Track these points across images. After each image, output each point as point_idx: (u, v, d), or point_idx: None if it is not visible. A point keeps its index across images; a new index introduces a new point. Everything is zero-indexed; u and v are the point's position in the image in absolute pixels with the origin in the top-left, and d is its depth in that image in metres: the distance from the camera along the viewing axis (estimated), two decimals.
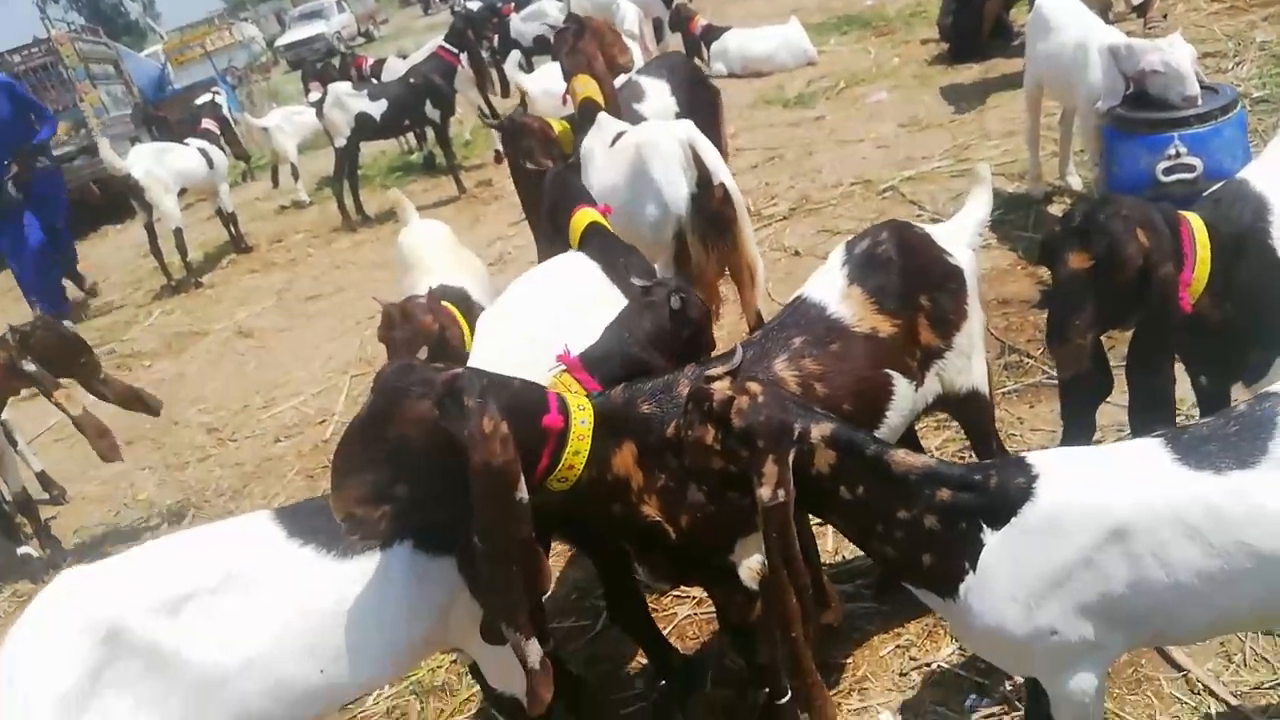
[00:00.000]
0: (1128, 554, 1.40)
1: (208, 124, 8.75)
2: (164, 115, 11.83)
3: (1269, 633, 2.23)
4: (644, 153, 3.25)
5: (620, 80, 4.26)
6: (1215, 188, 2.15)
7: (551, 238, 3.21)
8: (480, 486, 1.60)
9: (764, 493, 1.47)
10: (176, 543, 1.86)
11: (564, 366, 2.02)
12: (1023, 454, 1.52)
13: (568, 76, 4.13)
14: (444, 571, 1.86)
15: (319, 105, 8.17)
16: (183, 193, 8.09)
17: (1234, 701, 2.09)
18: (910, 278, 2.07)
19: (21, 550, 4.03)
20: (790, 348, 2.00)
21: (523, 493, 1.64)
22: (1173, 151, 3.19)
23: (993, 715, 2.22)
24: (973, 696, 2.28)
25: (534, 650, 1.69)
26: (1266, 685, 2.12)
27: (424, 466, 1.63)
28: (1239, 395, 2.19)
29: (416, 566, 1.84)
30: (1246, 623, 1.75)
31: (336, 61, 11.52)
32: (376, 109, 7.84)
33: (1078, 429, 2.05)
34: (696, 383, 1.57)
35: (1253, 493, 1.36)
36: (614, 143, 3.51)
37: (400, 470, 1.63)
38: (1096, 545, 1.41)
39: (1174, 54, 3.27)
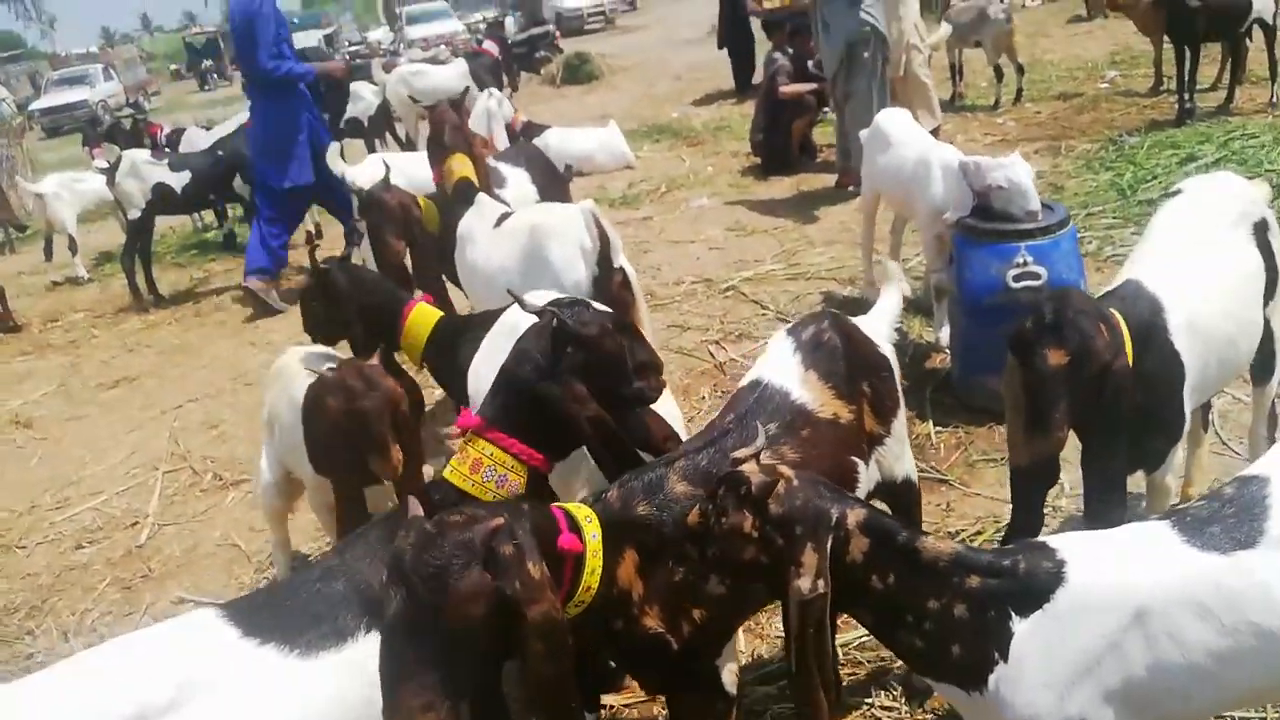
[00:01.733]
0: (1147, 636, 1.46)
1: None
2: None
3: None
4: (539, 235, 3.20)
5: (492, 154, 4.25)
6: (1117, 286, 2.36)
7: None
8: (540, 640, 1.44)
9: (803, 584, 1.42)
10: (117, 651, 1.55)
11: (471, 431, 1.91)
12: (1043, 539, 1.56)
13: (440, 157, 4.05)
14: None
15: (110, 172, 7.49)
16: None
17: None
18: (854, 364, 2.12)
19: None
20: (768, 436, 1.95)
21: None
22: (1020, 260, 3.51)
23: None
24: None
25: None
26: None
27: (484, 638, 1.43)
28: (1136, 483, 2.39)
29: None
30: (1250, 699, 1.85)
31: (127, 125, 10.67)
32: (178, 180, 7.28)
33: (1027, 515, 2.14)
34: (726, 467, 1.51)
35: (1256, 571, 1.46)
36: (499, 224, 3.44)
37: (463, 655, 1.42)
38: (1122, 628, 1.45)
39: (1016, 171, 3.64)
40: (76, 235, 8.93)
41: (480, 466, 1.87)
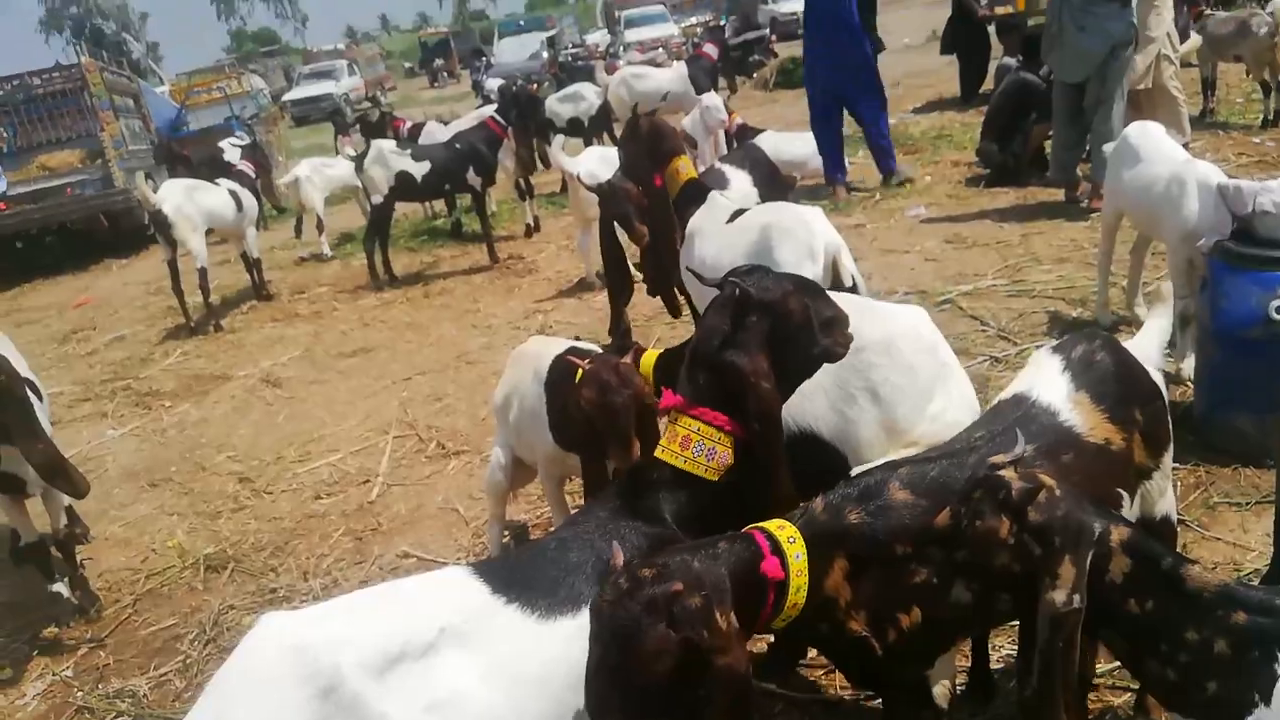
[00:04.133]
0: None
1: (244, 166, 8.68)
2: (185, 153, 11.77)
3: None
4: (771, 233, 3.25)
5: (710, 155, 4.32)
6: None
7: None
8: (724, 691, 1.49)
9: (1058, 597, 1.39)
10: (381, 594, 1.73)
11: (674, 410, 1.95)
12: None
13: (663, 160, 4.15)
14: None
15: (359, 159, 8.16)
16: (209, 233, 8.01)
17: None
18: (1127, 389, 1.99)
19: (53, 588, 3.78)
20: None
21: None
22: None
23: None
24: None
25: None
26: None
27: (678, 684, 1.49)
28: None
29: None
30: None
31: (374, 117, 11.60)
32: (419, 169, 7.85)
33: None
34: (984, 470, 1.49)
35: None
36: (730, 220, 3.51)
37: (659, 700, 1.49)
38: None
39: None
40: (324, 216, 9.77)
41: (690, 443, 1.92)
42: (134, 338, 8.04)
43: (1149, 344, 2.24)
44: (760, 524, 1.75)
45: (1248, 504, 3.23)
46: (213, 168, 9.11)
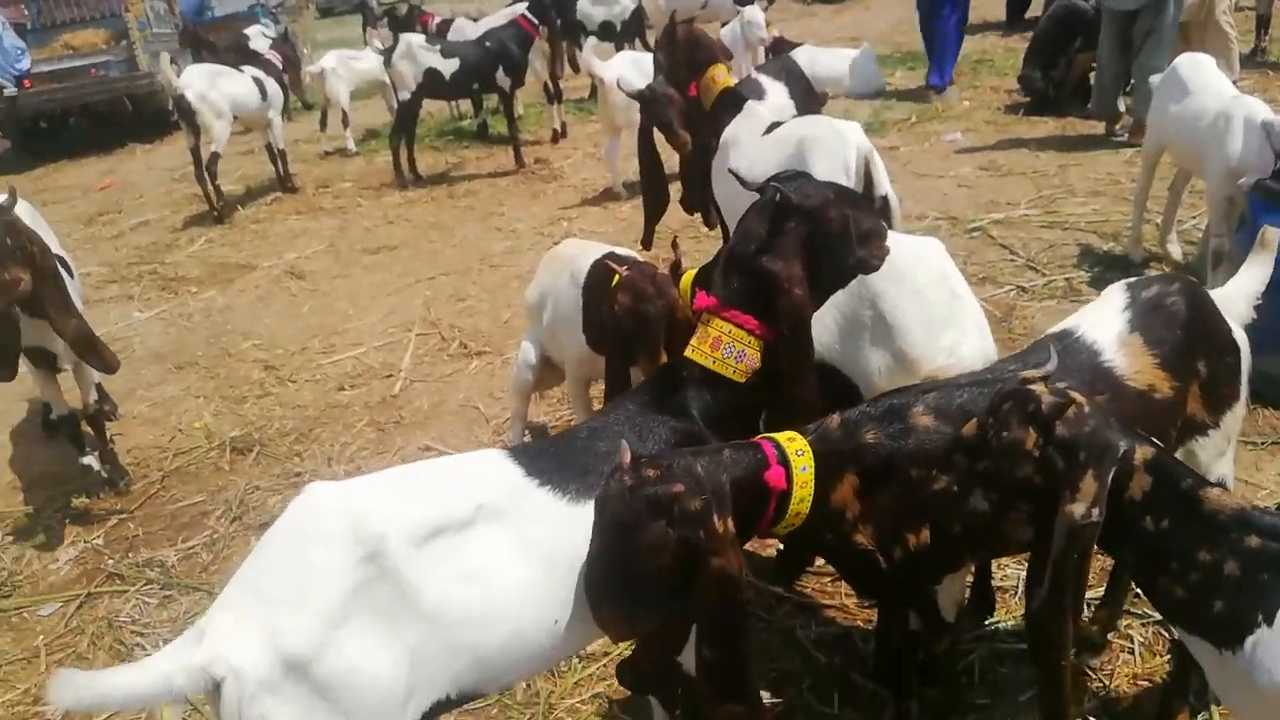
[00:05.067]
0: None
1: (271, 56, 8.56)
2: (210, 39, 11.60)
3: None
4: (804, 147, 3.21)
5: (748, 68, 4.25)
6: None
7: None
8: (716, 589, 1.57)
9: (1077, 509, 1.43)
10: (421, 471, 1.78)
11: (706, 311, 1.97)
12: None
13: (700, 68, 4.08)
14: None
15: (388, 53, 8.03)
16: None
17: None
18: (1195, 339, 1.95)
19: (84, 460, 3.90)
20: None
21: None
22: None
23: None
24: None
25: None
26: None
27: (671, 579, 1.58)
28: None
29: None
30: None
31: (403, 11, 11.36)
32: (448, 67, 7.72)
33: None
34: (1014, 384, 1.52)
35: None
36: (767, 132, 3.48)
37: (651, 592, 1.60)
38: None
39: None
40: (349, 110, 9.66)
41: (720, 344, 1.95)
42: (159, 223, 8.06)
43: (1237, 293, 2.14)
44: (772, 434, 1.79)
45: (1263, 444, 3.26)
46: (238, 55, 8.96)
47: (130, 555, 3.54)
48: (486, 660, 1.62)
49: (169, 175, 9.63)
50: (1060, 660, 1.52)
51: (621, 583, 1.59)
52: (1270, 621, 1.44)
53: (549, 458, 1.80)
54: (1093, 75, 7.46)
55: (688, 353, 1.98)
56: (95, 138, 11.85)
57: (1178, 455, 1.97)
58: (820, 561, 3.00)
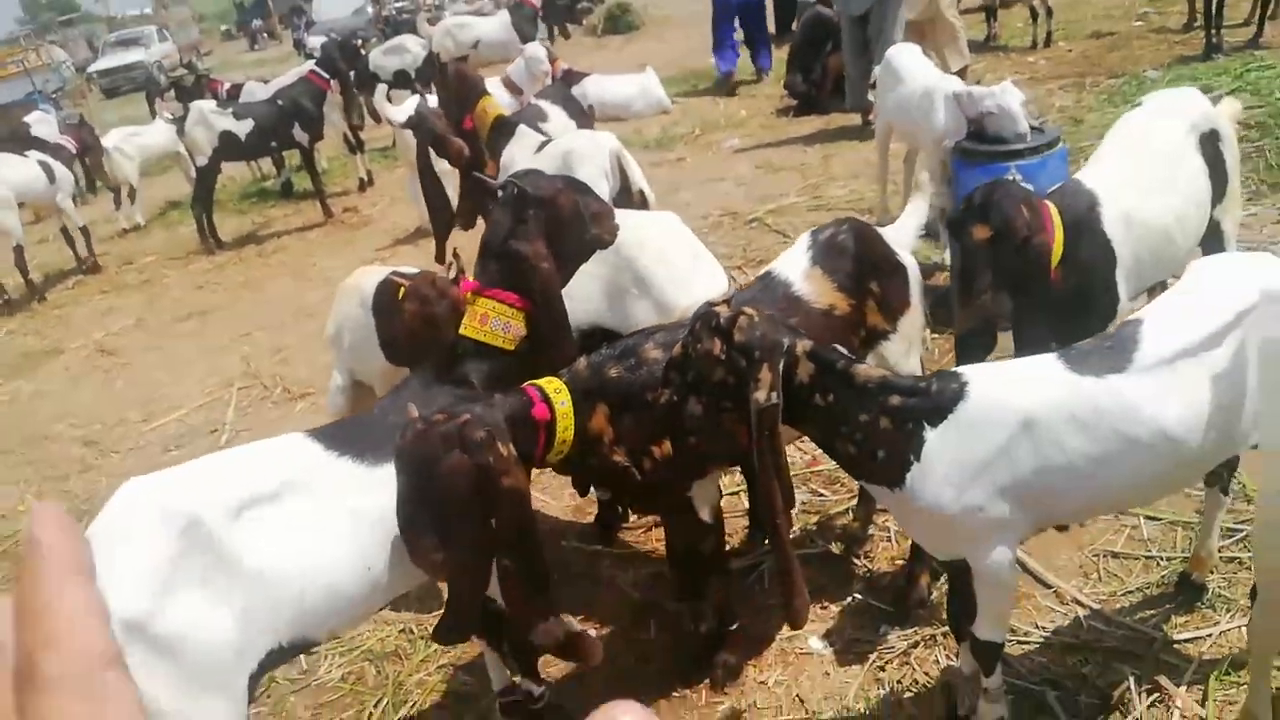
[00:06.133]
0: (1034, 443, 1.83)
1: (64, 140, 8.36)
2: None
3: (1115, 555, 2.78)
4: (570, 159, 3.59)
5: (524, 105, 4.61)
6: (1057, 186, 2.70)
7: None
8: (509, 506, 1.88)
9: (760, 396, 1.81)
10: (227, 457, 2.01)
11: (471, 293, 2.30)
12: (953, 369, 1.94)
13: (470, 102, 4.40)
14: None
15: (179, 122, 8.01)
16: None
17: (1095, 606, 2.60)
18: (864, 264, 2.43)
19: None
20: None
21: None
22: (1010, 178, 3.81)
23: (903, 637, 2.63)
24: (884, 626, 2.69)
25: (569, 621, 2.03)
26: (1119, 594, 2.64)
27: (471, 504, 1.85)
28: None
29: None
30: (1115, 503, 2.22)
31: (189, 81, 11.22)
32: (242, 128, 7.78)
33: None
34: (703, 308, 1.90)
35: (1123, 391, 1.83)
36: (539, 150, 3.84)
37: (458, 519, 1.86)
38: (1012, 436, 1.83)
39: (1005, 98, 3.93)
40: (138, 186, 9.51)
41: (487, 319, 2.28)
42: None
43: (901, 228, 2.68)
44: (534, 381, 2.13)
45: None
46: (19, 143, 8.69)
47: None
48: (310, 609, 1.87)
49: None
50: (773, 512, 1.90)
51: (432, 517, 1.85)
52: (918, 458, 1.87)
53: (344, 435, 2.07)
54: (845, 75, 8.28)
55: (461, 330, 2.29)
56: None
57: (870, 358, 2.44)
58: (633, 518, 3.36)
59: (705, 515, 2.34)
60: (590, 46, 15.49)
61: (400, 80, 10.81)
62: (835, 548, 3.02)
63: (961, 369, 1.93)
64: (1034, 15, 9.19)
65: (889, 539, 3.00)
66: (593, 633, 2.80)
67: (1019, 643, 2.54)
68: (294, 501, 1.90)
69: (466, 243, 5.64)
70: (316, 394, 4.93)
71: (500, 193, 2.33)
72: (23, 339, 6.94)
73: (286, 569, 1.83)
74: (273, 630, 1.83)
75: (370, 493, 1.97)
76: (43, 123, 11.33)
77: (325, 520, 1.91)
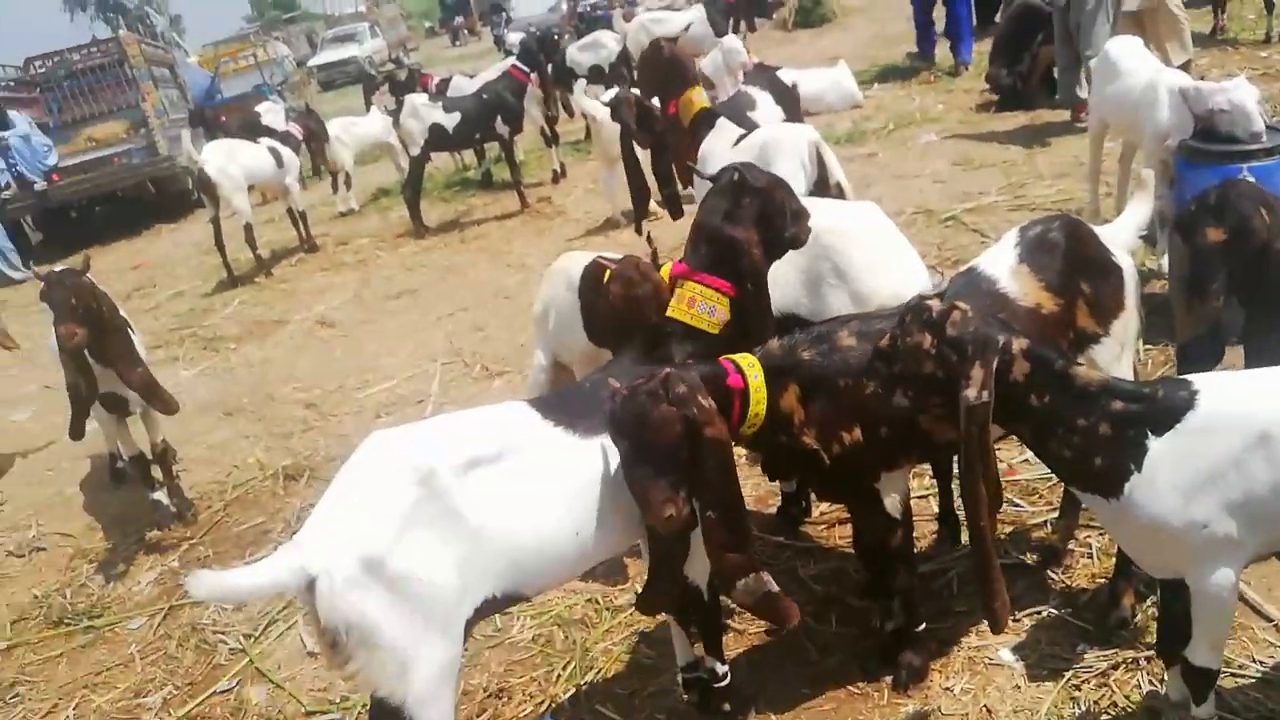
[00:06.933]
0: (1271, 458, 1.73)
1: (291, 128, 9.14)
2: (220, 119, 12.24)
3: None
4: (768, 150, 3.64)
5: (734, 91, 4.71)
6: None
7: None
8: (713, 454, 1.97)
9: (970, 393, 1.80)
10: (459, 418, 2.20)
11: (679, 276, 2.38)
12: (1182, 376, 1.86)
13: (676, 90, 4.50)
14: None
15: (394, 115, 8.58)
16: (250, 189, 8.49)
17: None
18: (1075, 264, 2.36)
19: (154, 495, 4.32)
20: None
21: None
22: (1244, 179, 3.56)
23: (1103, 657, 2.51)
24: (1081, 645, 2.57)
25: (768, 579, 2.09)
26: None
27: (682, 451, 1.96)
28: None
29: None
30: None
31: (402, 76, 11.99)
32: (450, 121, 8.25)
33: None
34: (914, 301, 1.91)
35: None
36: (738, 143, 3.90)
37: (674, 464, 1.96)
38: (1247, 449, 1.73)
39: (1238, 94, 3.67)
40: (353, 173, 10.24)
41: (695, 302, 2.38)
42: (192, 292, 8.58)
43: (1120, 227, 2.58)
44: (728, 355, 2.21)
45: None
46: (252, 131, 9.54)
47: None
48: (522, 564, 2.02)
49: (196, 249, 10.18)
50: (977, 512, 1.88)
51: (652, 468, 1.95)
52: (1140, 468, 1.81)
53: (560, 405, 2.22)
54: (1055, 69, 7.89)
55: (669, 311, 2.39)
56: (122, 223, 12.48)
57: (1080, 361, 2.35)
58: (816, 512, 3.37)
59: (893, 508, 2.34)
60: (779, 40, 15.39)
61: (594, 75, 11.13)
62: (1030, 559, 2.93)
63: (1191, 376, 1.84)
64: (1269, 7, 8.42)
65: (1090, 555, 2.88)
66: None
67: (1232, 675, 2.39)
68: (514, 464, 2.05)
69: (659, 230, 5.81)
70: (512, 372, 5.20)
71: (719, 179, 2.42)
72: (252, 309, 7.63)
73: (504, 526, 1.98)
74: (490, 580, 1.99)
75: (581, 462, 2.11)
76: (271, 112, 12.36)
77: (540, 484, 2.05)
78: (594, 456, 2.12)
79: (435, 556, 1.89)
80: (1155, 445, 1.79)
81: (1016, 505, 3.19)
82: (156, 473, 4.39)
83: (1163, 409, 1.80)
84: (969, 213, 5.83)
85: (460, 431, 2.10)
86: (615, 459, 2.13)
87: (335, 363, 6.04)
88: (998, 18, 11.49)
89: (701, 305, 2.35)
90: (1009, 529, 3.09)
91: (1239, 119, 3.64)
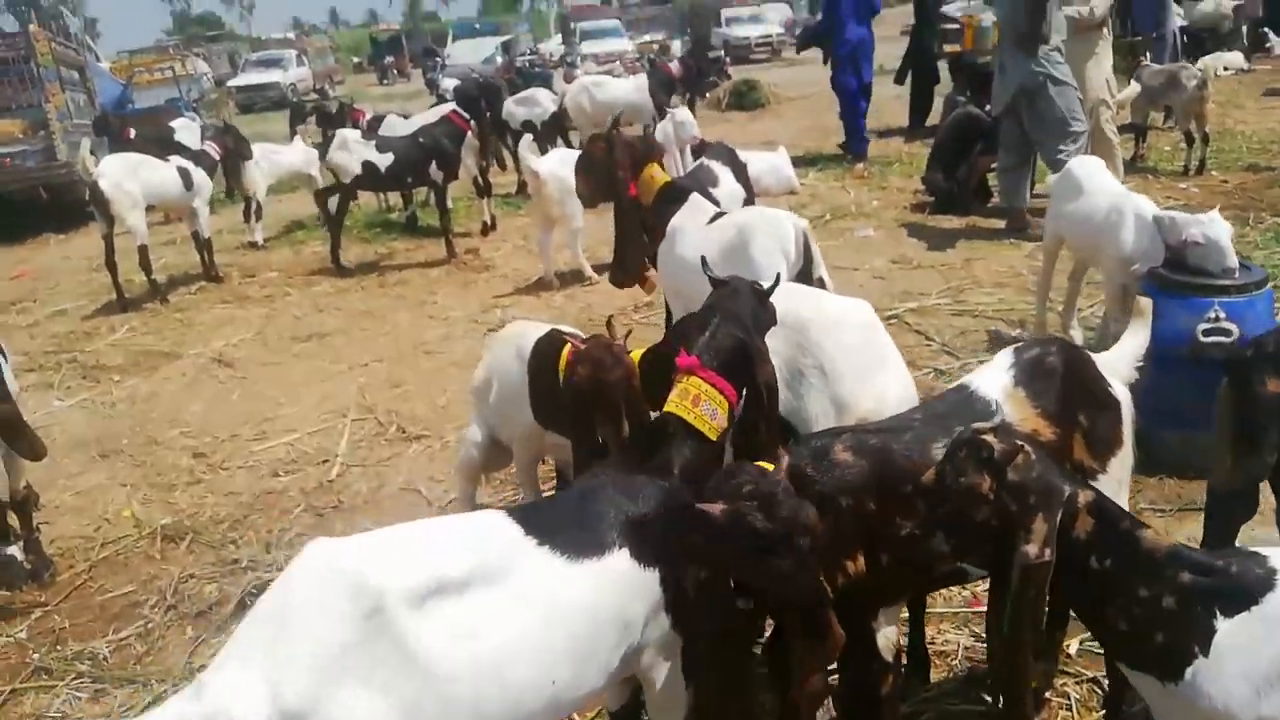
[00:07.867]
0: None
1: (208, 147, 8.57)
2: (126, 131, 11.51)
3: None
4: (746, 233, 3.43)
5: (693, 165, 4.54)
6: None
7: None
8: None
9: (1031, 550, 1.56)
10: (417, 530, 1.82)
11: (685, 370, 2.16)
12: (1257, 548, 1.66)
13: (636, 168, 4.26)
14: (650, 585, 1.86)
15: (322, 147, 8.15)
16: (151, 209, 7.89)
17: None
18: (1073, 392, 2.17)
19: (7, 550, 3.75)
20: (951, 435, 2.10)
21: None
22: (1213, 315, 3.52)
23: None
24: None
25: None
26: None
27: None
28: None
29: (630, 577, 1.83)
30: None
31: (333, 109, 11.52)
32: (383, 161, 7.87)
33: (1221, 545, 2.21)
34: (968, 434, 1.67)
35: None
36: (710, 221, 3.68)
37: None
38: None
39: (1215, 229, 3.65)
40: (264, 203, 9.69)
41: (700, 401, 2.13)
42: (76, 312, 7.86)
43: (1118, 356, 2.40)
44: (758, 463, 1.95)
45: (1171, 510, 3.50)
46: (164, 147, 8.94)
47: (58, 649, 3.39)
48: (484, 717, 1.65)
49: (86, 264, 9.42)
50: (1022, 690, 1.63)
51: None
52: (1205, 651, 1.59)
53: (544, 518, 1.87)
54: (991, 176, 8.05)
55: (670, 407, 2.11)
56: (8, 227, 11.55)
57: None
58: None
59: (888, 654, 2.07)
60: (713, 119, 15.55)
61: (527, 130, 10.92)
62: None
63: (1267, 551, 1.64)
64: (1189, 140, 8.84)
65: (1069, 707, 2.66)
66: None
67: None
68: (483, 592, 1.69)
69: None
70: (431, 437, 4.80)
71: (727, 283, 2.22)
72: (142, 337, 7.01)
73: (464, 669, 1.62)
74: None
75: (567, 593, 1.76)
76: (186, 129, 11.76)
77: (512, 619, 1.69)
78: (582, 585, 1.77)
79: (373, 708, 1.51)
80: (1225, 626, 1.58)
81: (984, 641, 2.97)
82: (14, 520, 3.82)
83: (1238, 585, 1.59)
84: (912, 313, 5.75)
85: (421, 548, 1.73)
86: (610, 588, 1.80)
87: (230, 407, 5.51)
88: (929, 122, 11.89)
89: (705, 405, 2.08)
90: (974, 666, 2.86)
91: (1213, 253, 3.62)
